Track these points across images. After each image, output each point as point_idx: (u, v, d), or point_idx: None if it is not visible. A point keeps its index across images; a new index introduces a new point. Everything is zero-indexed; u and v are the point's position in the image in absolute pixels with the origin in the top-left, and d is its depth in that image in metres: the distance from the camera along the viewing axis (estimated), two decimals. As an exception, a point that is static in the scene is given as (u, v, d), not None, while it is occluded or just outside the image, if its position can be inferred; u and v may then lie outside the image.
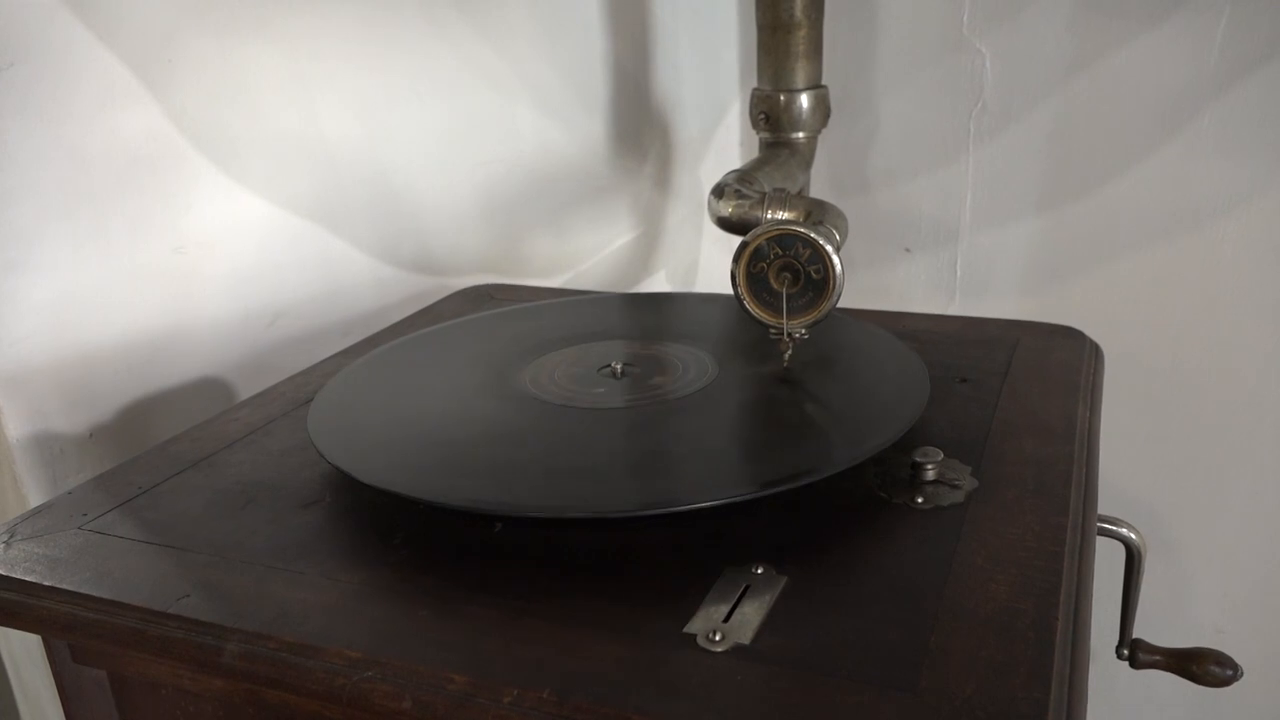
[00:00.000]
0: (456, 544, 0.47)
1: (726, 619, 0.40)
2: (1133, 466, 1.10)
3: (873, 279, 1.17)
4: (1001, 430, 0.56)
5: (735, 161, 1.21)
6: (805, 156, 0.85)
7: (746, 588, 0.42)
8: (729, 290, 0.59)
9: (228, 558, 0.47)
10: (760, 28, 0.84)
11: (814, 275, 0.56)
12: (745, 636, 0.39)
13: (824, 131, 0.87)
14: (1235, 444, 1.07)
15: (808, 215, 0.66)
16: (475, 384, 0.62)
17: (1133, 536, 0.64)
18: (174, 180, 0.71)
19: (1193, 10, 0.94)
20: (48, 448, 0.66)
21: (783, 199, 0.67)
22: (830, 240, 0.56)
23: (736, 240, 0.58)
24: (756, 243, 0.57)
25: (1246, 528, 1.09)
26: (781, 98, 0.84)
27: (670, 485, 0.50)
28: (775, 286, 0.57)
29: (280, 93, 0.77)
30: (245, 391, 0.77)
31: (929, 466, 0.50)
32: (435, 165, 0.90)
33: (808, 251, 0.56)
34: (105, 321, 0.68)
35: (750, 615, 0.40)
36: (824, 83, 0.86)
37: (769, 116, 0.84)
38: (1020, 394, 0.61)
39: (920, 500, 0.48)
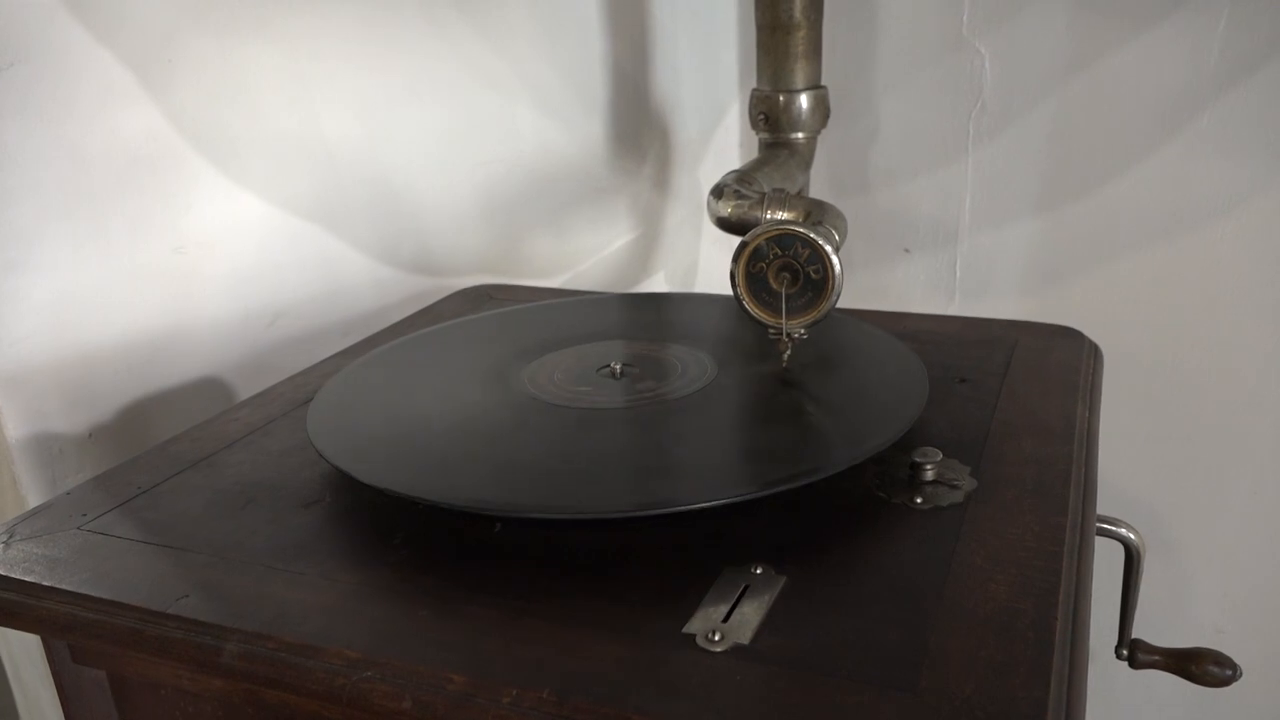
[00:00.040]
0: (456, 544, 0.47)
1: (726, 619, 0.40)
2: (1132, 466, 1.10)
3: (872, 279, 1.17)
4: (1000, 430, 0.56)
5: (735, 162, 1.21)
6: (804, 157, 0.85)
7: (746, 588, 0.42)
8: (728, 290, 0.59)
9: (227, 558, 0.47)
10: (759, 28, 0.84)
11: (813, 275, 0.56)
12: (744, 636, 0.39)
13: (823, 132, 0.87)
14: (1235, 444, 1.07)
15: (807, 215, 0.66)
16: (475, 384, 0.62)
17: (1132, 536, 0.64)
18: (174, 180, 0.71)
19: (1192, 10, 0.94)
20: (47, 448, 0.66)
21: (782, 199, 0.67)
22: (829, 240, 0.56)
23: (736, 240, 0.58)
24: (756, 243, 0.57)
25: (1246, 528, 1.09)
26: (781, 98, 0.84)
27: (669, 486, 0.50)
28: (774, 287, 0.57)
29: (280, 93, 0.77)
30: (245, 391, 0.77)
31: (928, 467, 0.50)
32: (435, 165, 0.90)
33: (807, 252, 0.56)
34: (105, 321, 0.68)
35: (749, 615, 0.40)
36: (823, 83, 0.86)
37: (768, 117, 0.85)
38: (1019, 394, 0.61)
39: (919, 500, 0.48)
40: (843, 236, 0.64)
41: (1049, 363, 0.66)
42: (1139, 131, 1.00)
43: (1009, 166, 1.06)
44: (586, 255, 1.09)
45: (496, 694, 0.37)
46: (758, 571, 0.43)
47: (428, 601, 0.43)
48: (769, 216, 0.67)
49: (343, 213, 0.84)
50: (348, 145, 0.83)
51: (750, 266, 0.57)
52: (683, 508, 0.46)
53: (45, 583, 0.45)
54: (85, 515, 0.51)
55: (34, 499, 0.65)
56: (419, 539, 0.48)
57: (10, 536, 0.50)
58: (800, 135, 0.85)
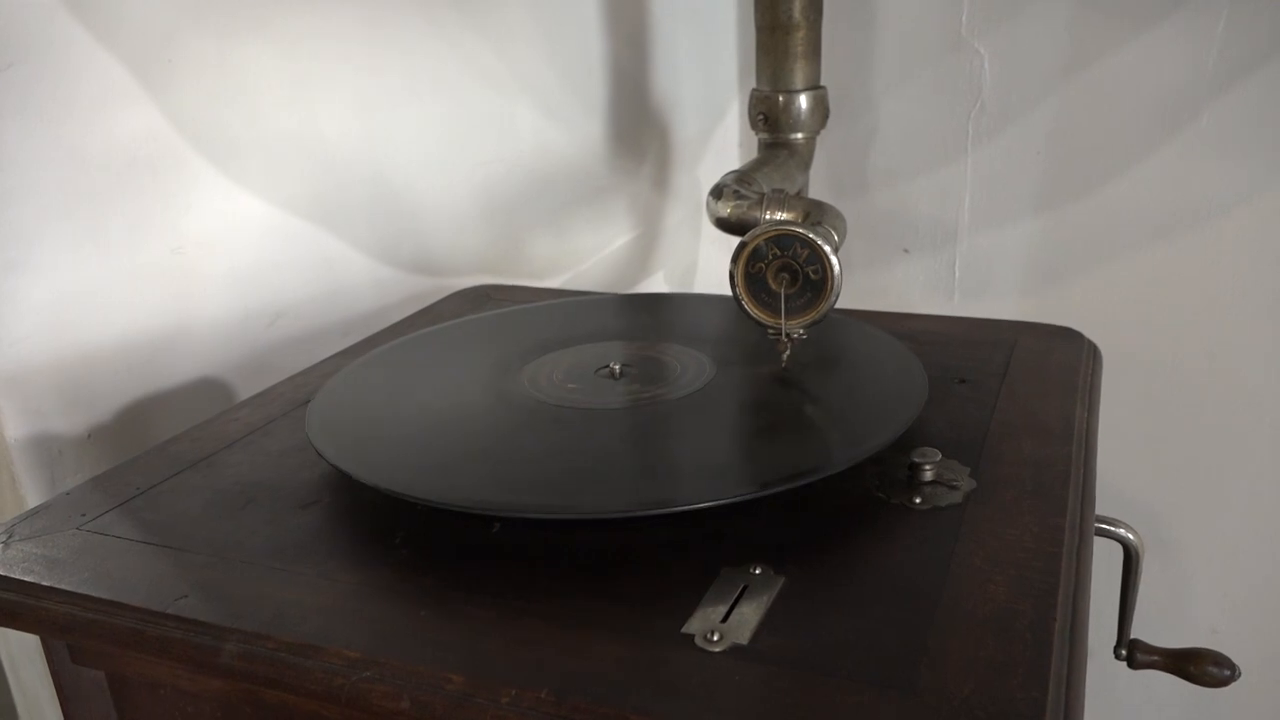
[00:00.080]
0: (455, 544, 0.47)
1: (724, 619, 0.40)
2: (1131, 467, 1.10)
3: (871, 280, 1.17)
4: (999, 431, 0.56)
5: (734, 162, 1.21)
6: (804, 157, 0.85)
7: (745, 588, 0.42)
8: (728, 291, 0.59)
9: (226, 558, 0.47)
10: (759, 28, 0.84)
11: (812, 276, 0.56)
12: (743, 636, 0.39)
13: (823, 132, 0.87)
14: (1234, 444, 1.07)
15: (806, 216, 0.66)
16: (474, 384, 0.62)
17: (1131, 537, 0.64)
18: (173, 180, 0.71)
19: (1191, 10, 0.95)
20: (46, 448, 0.66)
21: (781, 200, 0.67)
22: (828, 241, 0.56)
23: (735, 241, 0.58)
24: (755, 243, 0.57)
25: (1245, 528, 1.09)
26: (780, 98, 0.84)
27: (668, 486, 0.50)
28: (774, 287, 0.57)
29: (280, 93, 0.77)
30: (245, 392, 0.77)
31: (927, 467, 0.50)
32: (434, 166, 0.90)
33: (806, 252, 0.56)
34: (104, 322, 0.68)
35: (748, 615, 0.40)
36: (823, 83, 0.86)
37: (768, 117, 0.85)
38: (1018, 395, 0.61)
39: (918, 501, 0.49)
40: (842, 237, 0.64)
41: (1048, 363, 0.66)
42: (1138, 132, 1.00)
43: (1008, 167, 1.06)
44: (586, 255, 1.09)
45: (495, 694, 0.37)
46: (756, 572, 0.43)
47: (427, 601, 0.43)
48: (768, 217, 0.67)
49: (342, 213, 0.84)
50: (347, 145, 0.83)
51: (749, 267, 0.57)
52: (682, 508, 0.46)
53: (44, 583, 0.45)
54: (84, 515, 0.51)
55: (33, 499, 0.65)
56: (418, 539, 0.48)
57: (9, 537, 0.50)
58: (799, 135, 0.85)
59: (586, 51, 1.03)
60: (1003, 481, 0.50)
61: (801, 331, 0.58)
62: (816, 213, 0.66)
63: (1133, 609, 0.67)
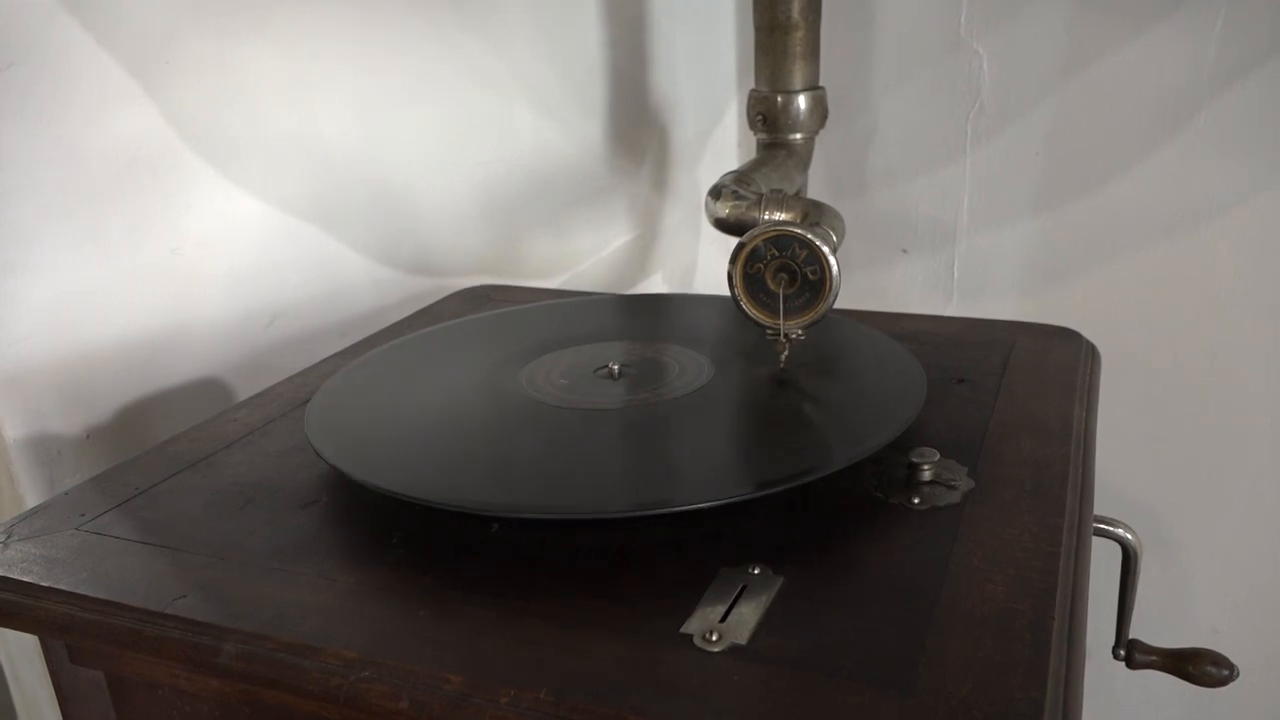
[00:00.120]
0: (454, 544, 0.47)
1: (723, 619, 0.40)
2: (1131, 467, 1.10)
3: (870, 280, 1.17)
4: (998, 431, 0.56)
5: (733, 162, 1.21)
6: (803, 157, 0.85)
7: (743, 588, 0.42)
8: (726, 291, 0.59)
9: (225, 558, 0.47)
10: (758, 29, 0.84)
11: (810, 276, 0.56)
12: (742, 636, 0.39)
13: (821, 132, 0.87)
14: (1233, 444, 1.07)
15: (805, 216, 0.66)
16: (473, 385, 0.62)
17: (1129, 537, 0.64)
18: (173, 181, 0.71)
19: (1190, 10, 0.95)
20: (45, 449, 0.66)
21: (780, 200, 0.67)
22: (827, 241, 0.56)
23: (734, 241, 0.58)
24: (753, 244, 0.57)
25: (1244, 528, 1.09)
26: (779, 99, 0.84)
27: (667, 486, 0.50)
28: (772, 288, 0.57)
29: (279, 94, 0.77)
30: (244, 392, 0.77)
31: (926, 467, 0.50)
32: (434, 166, 0.90)
33: (804, 253, 0.56)
34: (104, 322, 0.68)
35: (747, 615, 0.40)
36: (821, 84, 0.86)
37: (766, 117, 0.85)
38: (1017, 395, 0.61)
39: (917, 501, 0.49)
40: (840, 237, 0.65)
41: (1047, 363, 0.66)
42: (1137, 131, 1.00)
43: (1007, 167, 1.06)
44: (585, 256, 1.09)
45: (494, 694, 0.37)
46: (755, 571, 0.43)
47: (426, 601, 0.43)
48: (767, 217, 0.67)
49: (341, 213, 0.84)
50: (346, 146, 0.83)
51: (748, 267, 0.57)
52: (680, 508, 0.46)
53: (43, 583, 0.45)
54: (83, 515, 0.51)
55: (32, 499, 0.65)
56: (417, 539, 0.48)
57: (8, 537, 0.50)
58: (798, 136, 0.85)
59: (586, 52, 1.03)
60: (1001, 481, 0.50)
61: (800, 332, 0.58)
62: (815, 213, 0.66)
63: (1131, 609, 0.67)
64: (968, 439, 0.55)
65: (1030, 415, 0.58)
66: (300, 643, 0.40)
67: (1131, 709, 1.19)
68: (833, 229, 0.63)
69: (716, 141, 1.22)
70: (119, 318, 0.69)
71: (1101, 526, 0.63)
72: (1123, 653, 0.68)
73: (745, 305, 0.58)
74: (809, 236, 0.55)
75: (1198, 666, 0.64)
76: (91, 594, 0.44)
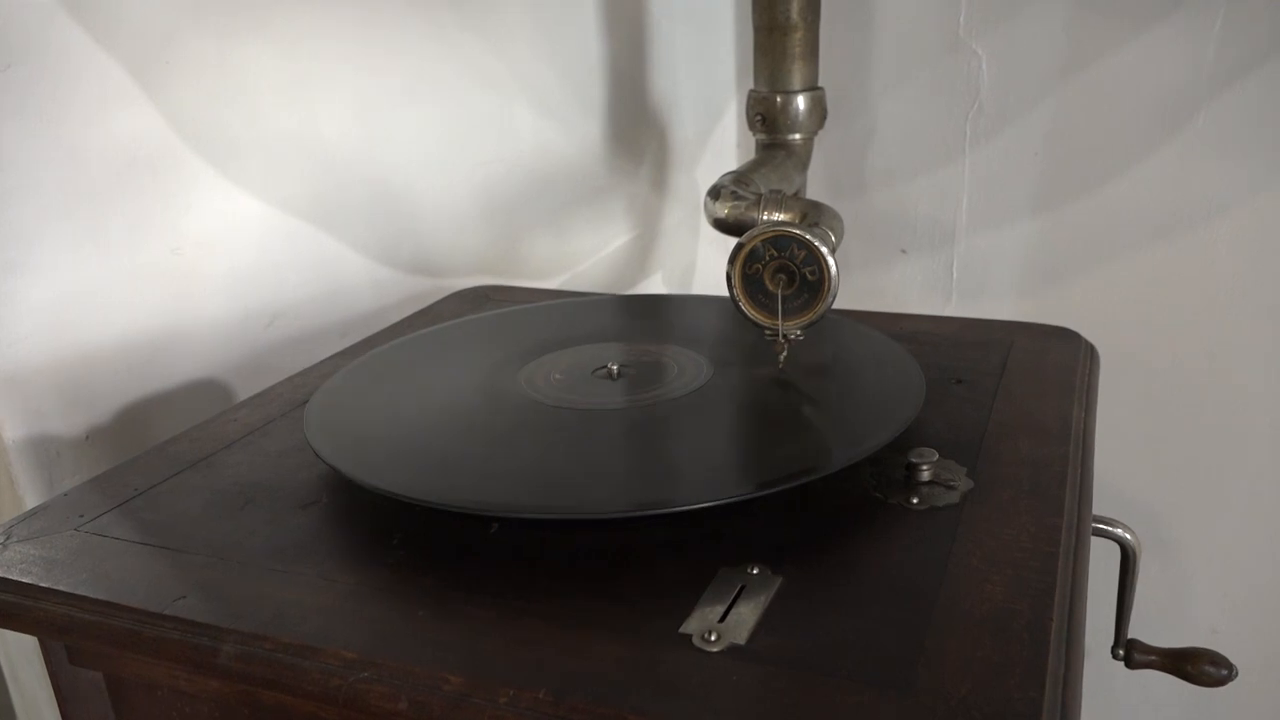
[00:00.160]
0: (454, 545, 0.47)
1: (722, 619, 0.40)
2: (1130, 467, 1.10)
3: (869, 280, 1.17)
4: (997, 431, 0.56)
5: (732, 163, 1.21)
6: (802, 158, 0.85)
7: (742, 588, 0.42)
8: (725, 292, 0.59)
9: (225, 559, 0.47)
10: (757, 29, 0.84)
11: (809, 277, 0.56)
12: (741, 637, 0.39)
13: (820, 133, 0.87)
14: (1233, 444, 1.07)
15: (804, 217, 0.66)
16: (472, 385, 0.62)
17: (1128, 537, 0.64)
18: (173, 181, 0.71)
19: (1189, 11, 0.95)
20: (45, 449, 0.66)
21: (779, 200, 0.67)
22: (825, 242, 0.56)
23: (733, 242, 0.58)
24: (752, 244, 0.57)
25: (1243, 528, 1.09)
26: (778, 99, 0.84)
27: (666, 486, 0.50)
28: (771, 288, 0.57)
29: (279, 94, 0.77)
30: (244, 392, 0.77)
31: (924, 467, 0.50)
32: (433, 166, 0.90)
33: (803, 253, 0.56)
34: (104, 322, 0.68)
35: (746, 615, 0.40)
36: (820, 84, 0.86)
37: (765, 118, 0.85)
38: (1016, 395, 0.61)
39: (915, 501, 0.49)
40: (839, 238, 0.65)
41: (1045, 364, 0.66)
42: (1136, 132, 1.00)
43: (1006, 167, 1.07)
44: (584, 256, 1.09)
45: (493, 694, 0.37)
46: (754, 572, 0.43)
47: (425, 602, 0.43)
48: (766, 218, 0.67)
49: (341, 213, 0.84)
50: (346, 146, 0.83)
51: (746, 268, 0.57)
52: (679, 508, 0.46)
53: (42, 584, 0.45)
54: (83, 516, 0.51)
55: (31, 500, 0.65)
56: (417, 540, 0.48)
57: (7, 538, 0.50)
58: (797, 136, 0.85)
59: (585, 52, 1.03)
60: (1000, 481, 0.50)
61: (799, 332, 0.58)
62: (814, 213, 0.66)
63: (1130, 609, 0.67)
64: (966, 439, 0.55)
65: (1029, 415, 0.58)
66: (300, 643, 0.40)
67: (1130, 709, 1.19)
68: (831, 229, 0.64)
69: (716, 142, 1.22)
70: (119, 318, 0.69)
71: (1100, 526, 0.63)
72: (1122, 652, 0.68)
73: (744, 306, 0.58)
74: (807, 237, 0.55)
75: (1196, 666, 0.64)
76: (91, 595, 0.44)
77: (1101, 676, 1.12)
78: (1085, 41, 0.99)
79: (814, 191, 1.10)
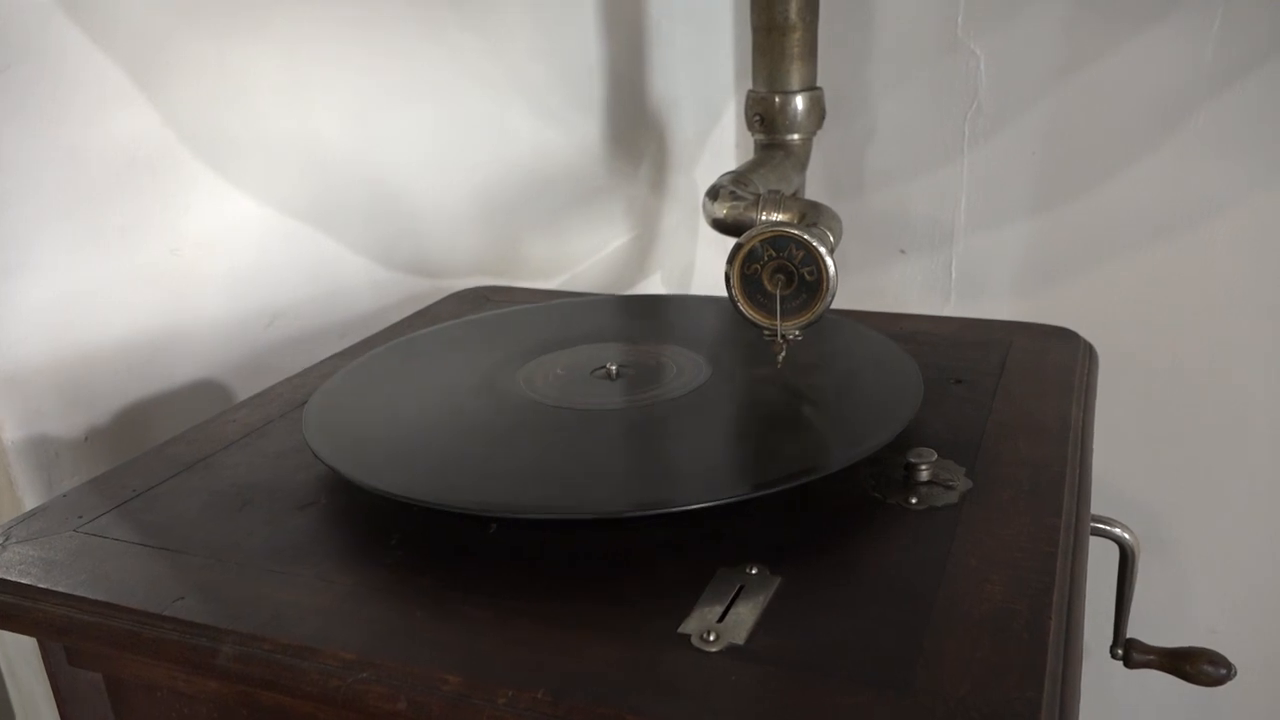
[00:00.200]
0: (453, 545, 0.47)
1: (721, 619, 0.40)
2: (1129, 466, 1.10)
3: (868, 280, 1.17)
4: (996, 431, 0.56)
5: (731, 163, 1.21)
6: (800, 158, 0.85)
7: (741, 588, 0.42)
8: (724, 292, 0.59)
9: (223, 560, 0.47)
10: (755, 29, 0.84)
11: (807, 277, 0.56)
12: (739, 637, 0.39)
13: (819, 133, 0.87)
14: (1232, 444, 1.07)
15: (802, 217, 0.66)
16: (471, 386, 0.62)
17: (1127, 536, 0.64)
18: (171, 182, 0.71)
19: (1187, 11, 0.95)
20: (43, 450, 0.66)
21: (777, 201, 0.67)
22: (824, 242, 0.56)
23: (732, 242, 0.58)
24: (750, 244, 0.57)
25: (1242, 528, 1.09)
26: (776, 99, 0.84)
27: (665, 486, 0.50)
28: (769, 288, 0.57)
29: (278, 95, 0.77)
30: (243, 392, 0.77)
31: (923, 467, 0.50)
32: (432, 167, 0.90)
33: (801, 253, 0.56)
34: (103, 323, 0.68)
35: (744, 615, 0.40)
36: (819, 84, 0.86)
37: (764, 118, 0.85)
38: (1014, 395, 0.61)
39: (914, 501, 0.49)
40: (838, 238, 0.65)
41: (1044, 363, 0.66)
42: (1134, 132, 1.00)
43: (1004, 167, 1.07)
44: (583, 257, 1.09)
45: (492, 694, 0.37)
46: (753, 572, 0.43)
47: (424, 602, 0.43)
48: (764, 218, 0.67)
49: (340, 214, 0.84)
50: (345, 146, 0.83)
51: (745, 268, 0.57)
52: (678, 508, 0.46)
53: (41, 585, 0.45)
54: (81, 517, 0.51)
55: (30, 501, 0.65)
56: (415, 540, 0.48)
57: (6, 539, 0.50)
58: (796, 136, 0.85)
59: (584, 53, 1.03)
60: (998, 481, 0.50)
61: (797, 333, 0.58)
62: (812, 214, 0.66)
63: (1129, 608, 0.67)
64: (965, 439, 0.55)
65: (1028, 415, 0.58)
66: (298, 644, 0.40)
67: (1129, 708, 1.19)
68: (830, 230, 0.64)
69: (714, 142, 1.22)
70: (118, 318, 0.69)
71: (1099, 526, 0.63)
72: (1120, 652, 0.68)
73: (742, 306, 0.58)
74: (806, 237, 0.55)
75: (1195, 666, 0.64)
76: (90, 596, 0.44)
77: (1100, 676, 1.12)
78: (1084, 41, 0.99)
79: (812, 192, 1.10)
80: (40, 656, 0.49)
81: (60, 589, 0.45)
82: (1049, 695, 0.35)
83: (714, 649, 0.39)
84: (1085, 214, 1.05)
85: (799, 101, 0.84)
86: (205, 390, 0.76)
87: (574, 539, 0.47)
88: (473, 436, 0.56)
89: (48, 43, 0.62)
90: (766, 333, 0.58)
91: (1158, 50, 0.97)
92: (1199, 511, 1.10)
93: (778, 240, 0.56)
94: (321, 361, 0.73)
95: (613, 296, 0.84)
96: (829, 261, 0.56)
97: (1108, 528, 0.63)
